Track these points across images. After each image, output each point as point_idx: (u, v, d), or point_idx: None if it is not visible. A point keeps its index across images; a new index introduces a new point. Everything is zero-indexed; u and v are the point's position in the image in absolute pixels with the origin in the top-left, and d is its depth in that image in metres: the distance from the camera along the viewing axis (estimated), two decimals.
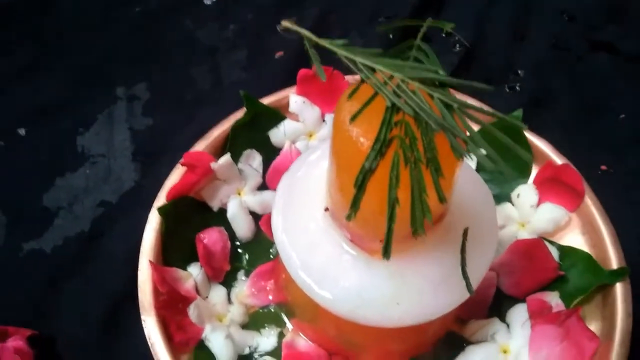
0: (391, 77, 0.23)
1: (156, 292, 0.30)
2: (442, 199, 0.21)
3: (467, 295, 0.27)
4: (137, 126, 0.44)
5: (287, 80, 0.46)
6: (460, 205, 0.29)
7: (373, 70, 0.24)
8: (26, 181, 0.40)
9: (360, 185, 0.21)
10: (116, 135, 0.43)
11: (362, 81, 0.24)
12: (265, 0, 0.53)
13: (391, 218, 0.21)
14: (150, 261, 0.31)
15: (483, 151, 0.21)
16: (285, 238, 0.28)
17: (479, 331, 0.32)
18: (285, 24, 0.26)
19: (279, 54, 0.49)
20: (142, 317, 0.29)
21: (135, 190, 0.40)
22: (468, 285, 0.27)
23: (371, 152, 0.21)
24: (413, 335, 0.31)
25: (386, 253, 0.21)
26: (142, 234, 0.35)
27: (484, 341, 0.32)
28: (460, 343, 0.32)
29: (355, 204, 0.22)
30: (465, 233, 0.28)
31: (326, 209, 0.29)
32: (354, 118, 0.23)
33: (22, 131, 0.43)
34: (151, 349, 0.28)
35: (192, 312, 0.29)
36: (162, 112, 0.45)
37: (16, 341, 0.30)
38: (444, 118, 0.22)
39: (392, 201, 0.21)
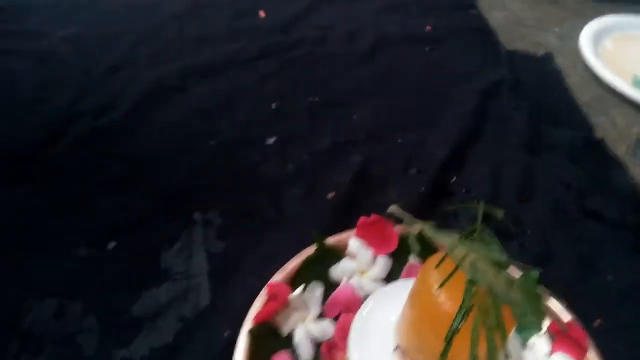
0: (466, 256, 0.32)
1: None
2: (507, 356, 0.29)
3: None
4: (212, 249, 0.51)
5: (338, 218, 0.55)
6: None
7: (453, 249, 0.33)
8: (117, 292, 0.47)
9: (450, 341, 0.29)
10: (194, 256, 0.50)
11: (445, 256, 0.33)
12: (318, 146, 0.63)
13: None
14: None
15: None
16: None
17: None
18: (393, 209, 0.35)
19: (331, 195, 0.58)
20: None
21: (210, 309, 0.47)
22: None
23: (458, 316, 0.29)
24: None
25: None
26: (219, 350, 0.41)
27: None
28: None
29: (444, 355, 0.29)
30: None
31: (396, 348, 0.36)
32: (441, 286, 0.31)
33: (111, 245, 0.50)
34: None
35: None
36: (233, 237, 0.52)
37: None
38: (507, 293, 0.30)
39: (474, 358, 0.29)
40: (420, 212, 0.58)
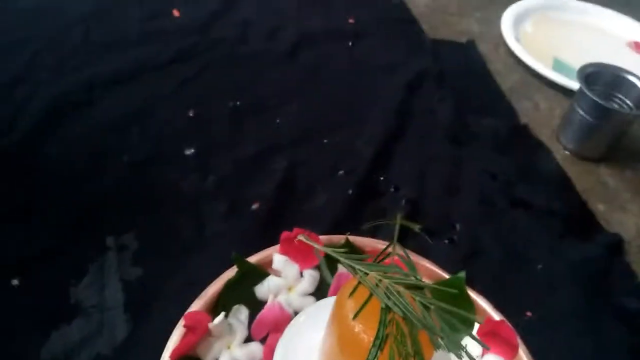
0: (381, 280, 0.31)
1: None
2: None
3: None
4: (127, 276, 0.48)
5: (264, 231, 0.53)
6: None
7: (366, 273, 0.31)
8: (22, 334, 0.43)
9: None
10: (108, 286, 0.47)
11: (359, 283, 0.31)
12: (241, 153, 0.60)
13: None
14: None
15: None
16: None
17: None
18: (301, 238, 0.33)
19: (255, 205, 0.56)
20: None
21: (129, 342, 0.44)
22: None
23: (372, 349, 0.28)
24: None
25: None
26: None
27: None
28: None
29: None
30: None
31: None
32: (355, 316, 0.30)
33: (14, 281, 0.46)
34: None
35: None
36: (151, 262, 0.49)
37: None
38: (424, 318, 0.29)
39: None
40: (349, 214, 0.56)
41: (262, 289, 0.45)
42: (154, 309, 0.45)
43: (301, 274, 0.47)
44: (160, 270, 0.49)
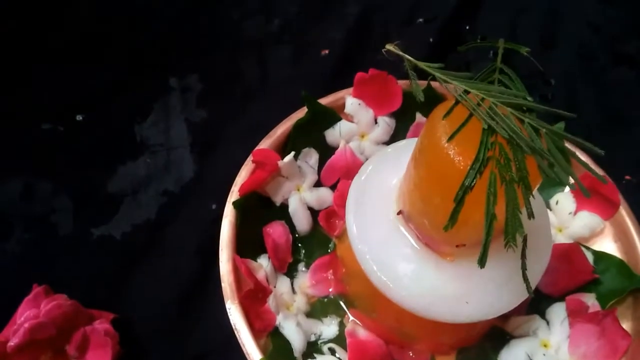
0: (483, 100, 0.26)
1: (237, 283, 0.32)
2: (530, 215, 0.24)
3: (526, 295, 0.30)
4: (192, 117, 0.45)
5: (332, 78, 0.49)
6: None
7: (466, 92, 0.27)
8: (89, 168, 0.42)
9: (460, 200, 0.24)
10: (173, 126, 0.45)
11: (456, 102, 0.27)
12: None
13: (489, 232, 0.24)
14: (235, 255, 0.33)
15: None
16: (360, 240, 0.31)
17: (521, 326, 0.35)
18: (389, 47, 0.28)
19: (324, 52, 0.51)
20: (227, 305, 0.31)
21: (195, 180, 0.42)
22: (528, 287, 0.30)
23: (470, 171, 0.24)
24: (463, 329, 0.34)
25: (482, 262, 0.24)
26: (206, 223, 0.37)
27: (526, 336, 0.35)
28: (504, 337, 0.35)
29: (453, 217, 0.24)
30: (524, 240, 0.31)
31: (399, 213, 0.31)
32: (451, 138, 0.25)
33: (79, 117, 0.45)
34: (237, 335, 0.31)
35: (271, 302, 0.32)
36: (215, 104, 0.47)
37: (103, 324, 0.32)
38: (532, 141, 0.25)
39: (490, 217, 0.24)
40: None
41: (333, 134, 0.42)
42: (219, 150, 0.44)
43: (375, 121, 0.43)
44: (225, 112, 0.46)
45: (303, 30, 0.52)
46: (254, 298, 0.32)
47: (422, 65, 0.27)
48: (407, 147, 0.37)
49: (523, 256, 0.31)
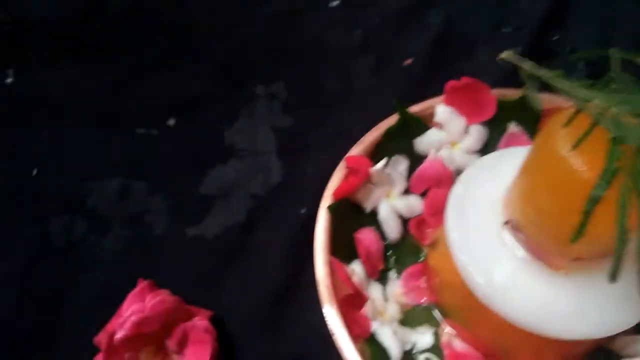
0: (607, 109, 0.25)
1: (334, 286, 0.32)
2: None
3: None
4: (278, 124, 0.46)
5: (416, 88, 0.49)
6: None
7: (587, 101, 0.26)
8: (180, 169, 0.43)
9: (587, 213, 0.23)
10: (259, 132, 0.45)
11: (577, 111, 0.26)
12: (391, 6, 0.55)
13: (621, 247, 0.23)
14: (333, 258, 0.33)
15: None
16: (461, 251, 0.31)
17: (629, 346, 0.33)
18: (505, 55, 0.28)
19: (407, 62, 0.51)
20: (324, 309, 0.31)
21: (282, 186, 0.43)
22: None
23: (601, 182, 0.23)
24: (568, 346, 0.33)
25: (614, 278, 0.23)
26: (295, 228, 0.37)
27: (636, 357, 0.33)
28: (611, 357, 0.34)
29: (581, 229, 0.23)
30: None
31: (506, 222, 0.30)
32: (575, 146, 0.25)
33: (171, 121, 0.46)
34: (335, 340, 0.30)
35: (369, 307, 0.32)
36: (300, 112, 0.47)
37: (202, 320, 0.33)
38: None
39: (622, 231, 0.23)
40: (517, 80, 0.50)
41: (423, 142, 0.41)
42: (305, 157, 0.44)
43: (467, 129, 0.42)
44: (310, 120, 0.47)
45: (385, 41, 0.52)
46: (352, 303, 0.32)
47: (540, 73, 0.27)
48: (504, 157, 0.36)
49: None
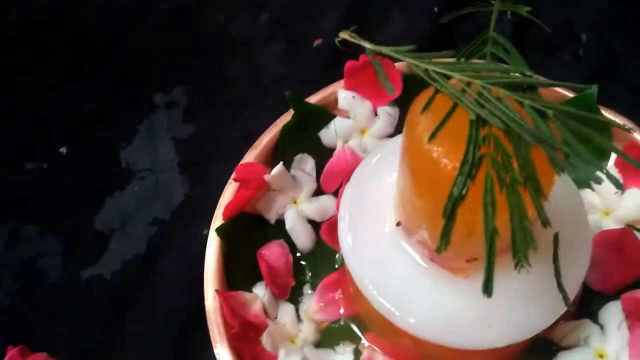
0: (469, 84, 0.21)
1: (226, 321, 0.29)
2: (545, 223, 0.19)
3: (563, 309, 0.25)
4: (179, 135, 0.42)
5: (330, 69, 0.44)
6: (546, 207, 0.26)
7: (448, 77, 0.21)
8: (75, 204, 0.39)
9: (450, 215, 0.19)
10: (159, 147, 0.41)
11: (437, 91, 0.21)
12: None
13: (491, 251, 0.19)
14: (217, 291, 0.29)
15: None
16: (356, 260, 0.27)
17: (569, 334, 0.30)
18: (344, 35, 0.23)
19: (317, 42, 0.46)
20: (215, 350, 0.28)
21: (187, 204, 0.39)
22: (565, 298, 0.24)
23: (459, 177, 0.19)
24: (496, 350, 0.29)
25: (487, 290, 0.19)
26: (200, 251, 0.34)
27: (576, 345, 0.29)
28: (550, 348, 0.30)
29: (445, 236, 0.19)
30: (556, 239, 0.26)
31: (398, 224, 0.26)
32: (432, 136, 0.20)
33: (63, 149, 0.42)
34: None
35: (265, 341, 0.28)
36: (203, 117, 0.43)
37: None
38: (538, 129, 0.19)
39: (490, 232, 0.19)
40: (435, 38, 0.45)
41: (329, 134, 0.37)
42: (210, 168, 0.40)
43: (375, 113, 0.38)
44: (214, 125, 0.43)
45: (293, 22, 0.48)
46: (246, 339, 0.28)
47: (387, 51, 0.22)
48: None
49: (555, 260, 0.26)
